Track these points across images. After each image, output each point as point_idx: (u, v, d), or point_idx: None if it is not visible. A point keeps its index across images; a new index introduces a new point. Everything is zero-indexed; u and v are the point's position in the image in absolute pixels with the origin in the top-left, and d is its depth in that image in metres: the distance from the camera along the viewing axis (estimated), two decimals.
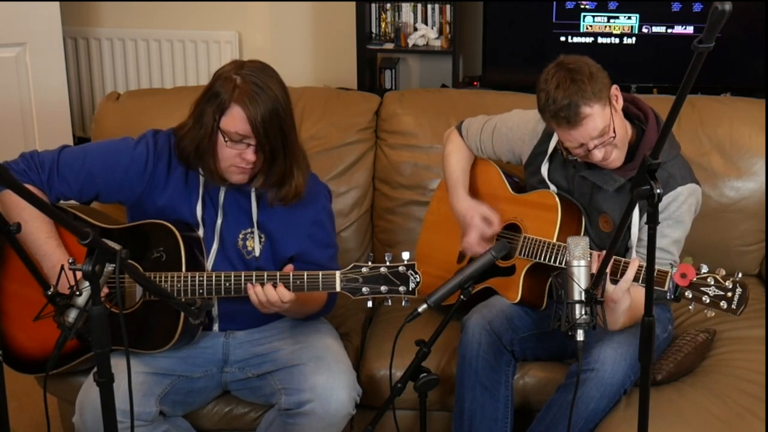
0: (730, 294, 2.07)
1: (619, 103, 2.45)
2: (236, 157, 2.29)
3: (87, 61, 5.09)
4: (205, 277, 2.31)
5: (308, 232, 2.49)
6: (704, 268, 2.09)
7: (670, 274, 2.15)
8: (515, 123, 2.73)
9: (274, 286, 2.28)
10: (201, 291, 2.31)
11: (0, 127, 4.21)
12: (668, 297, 2.12)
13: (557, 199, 2.56)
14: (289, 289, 2.29)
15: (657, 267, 2.28)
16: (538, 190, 2.65)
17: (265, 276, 2.30)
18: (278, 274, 2.30)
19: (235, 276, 2.31)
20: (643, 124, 2.51)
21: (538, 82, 2.43)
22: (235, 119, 2.25)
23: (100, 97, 5.00)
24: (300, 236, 2.48)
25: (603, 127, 2.37)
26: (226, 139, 2.27)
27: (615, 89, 2.43)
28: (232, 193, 2.44)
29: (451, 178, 2.80)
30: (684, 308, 2.88)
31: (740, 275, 2.10)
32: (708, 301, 2.08)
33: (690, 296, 2.09)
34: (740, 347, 2.67)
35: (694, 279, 2.07)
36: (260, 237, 2.46)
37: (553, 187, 2.61)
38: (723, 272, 2.09)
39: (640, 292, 2.29)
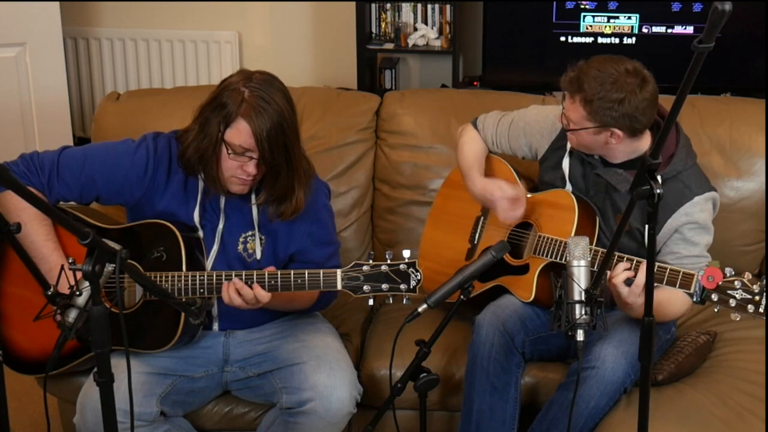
0: (757, 298, 2.05)
1: (611, 142, 2.44)
2: (237, 169, 2.30)
3: (87, 61, 5.09)
4: (206, 276, 2.31)
5: (308, 231, 2.49)
6: (730, 271, 2.08)
7: (696, 276, 2.14)
8: (533, 118, 2.73)
9: (250, 285, 2.28)
10: (202, 290, 2.31)
11: (0, 127, 4.21)
12: (694, 299, 2.11)
13: (574, 198, 2.56)
14: (290, 289, 2.29)
15: (688, 269, 2.28)
16: (553, 189, 2.64)
17: (266, 275, 2.29)
18: (279, 273, 2.30)
19: (236, 275, 2.31)
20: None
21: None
22: (241, 133, 2.25)
23: (100, 97, 5.00)
24: (300, 235, 2.48)
25: (568, 118, 2.43)
26: (230, 151, 2.27)
27: (616, 134, 2.41)
28: (234, 197, 2.43)
29: (466, 162, 2.78)
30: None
31: (766, 279, 2.08)
32: (734, 304, 2.06)
33: (716, 299, 2.07)
34: (741, 348, 2.67)
35: (721, 282, 2.06)
36: (261, 239, 2.46)
37: (569, 185, 2.61)
38: (749, 276, 2.08)
39: (662, 292, 2.29)
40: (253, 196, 2.43)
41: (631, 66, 2.41)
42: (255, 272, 2.30)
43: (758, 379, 2.50)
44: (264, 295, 2.28)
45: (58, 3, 4.34)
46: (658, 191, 1.77)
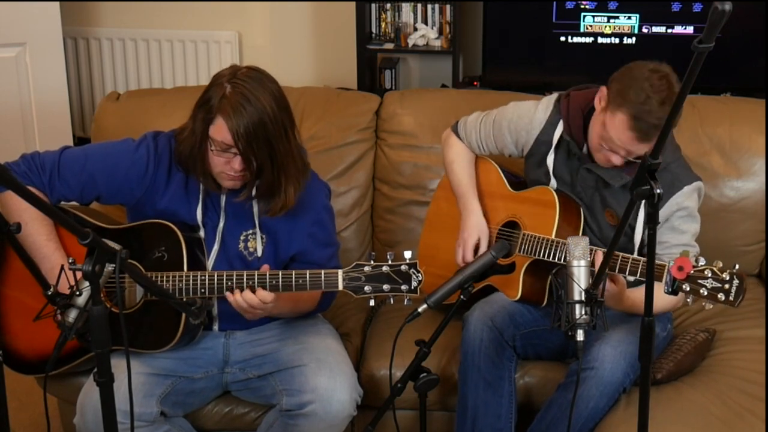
0: (727, 286, 2.05)
1: None
2: (224, 165, 2.30)
3: (87, 61, 5.09)
4: (206, 276, 2.31)
5: (309, 232, 2.49)
6: (701, 261, 2.08)
7: (667, 267, 2.15)
8: (515, 114, 2.72)
9: (253, 290, 2.28)
10: (203, 290, 2.31)
11: (0, 127, 4.21)
12: (666, 290, 2.11)
13: (555, 195, 2.57)
14: (291, 289, 2.29)
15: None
16: (536, 186, 2.65)
17: (267, 276, 2.29)
18: (280, 273, 2.30)
19: (237, 275, 2.31)
20: None
21: (633, 68, 2.44)
22: (220, 129, 2.25)
23: (100, 97, 5.00)
24: (301, 235, 2.48)
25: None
26: (212, 147, 2.27)
27: None
28: (233, 195, 2.43)
29: (461, 186, 2.78)
30: (685, 307, 2.89)
31: (737, 267, 2.08)
32: (706, 293, 2.06)
33: (687, 289, 2.07)
34: (740, 347, 2.67)
35: (691, 272, 2.05)
36: (262, 238, 2.46)
37: (554, 181, 2.61)
38: (720, 264, 2.08)
39: (638, 291, 2.29)
40: (253, 191, 2.42)
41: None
42: (256, 273, 2.30)
43: (758, 379, 2.50)
44: (267, 295, 2.28)
45: (58, 3, 4.34)
46: (658, 191, 1.77)
